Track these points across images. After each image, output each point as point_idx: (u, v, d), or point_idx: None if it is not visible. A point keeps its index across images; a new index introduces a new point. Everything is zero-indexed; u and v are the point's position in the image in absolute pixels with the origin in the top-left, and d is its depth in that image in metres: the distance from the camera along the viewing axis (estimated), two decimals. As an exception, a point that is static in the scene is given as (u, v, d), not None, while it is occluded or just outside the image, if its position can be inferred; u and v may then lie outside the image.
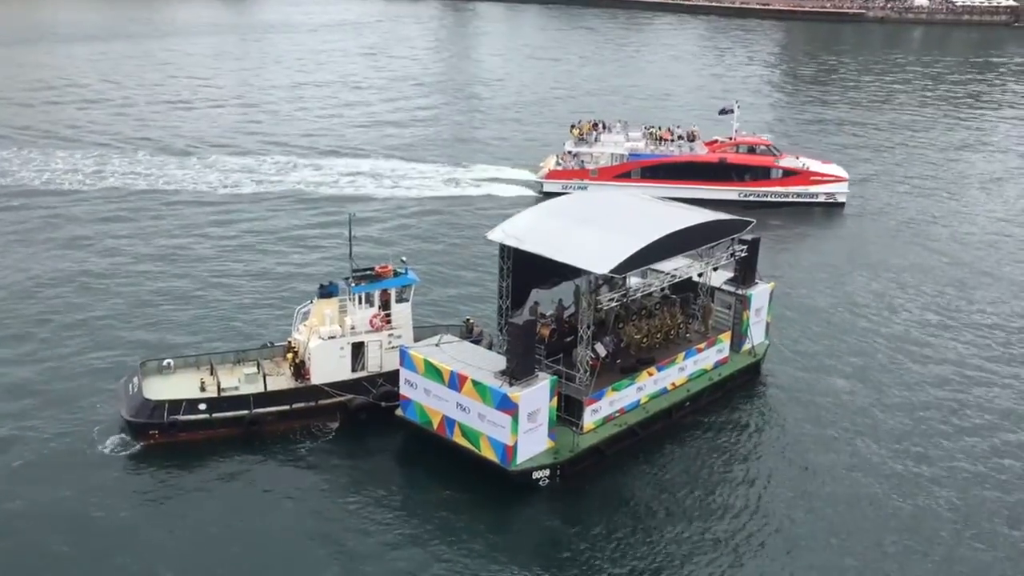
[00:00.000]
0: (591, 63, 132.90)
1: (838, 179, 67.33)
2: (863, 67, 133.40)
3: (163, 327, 44.23)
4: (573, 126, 70.41)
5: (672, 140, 68.28)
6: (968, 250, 58.98)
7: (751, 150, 67.65)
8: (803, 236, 62.36)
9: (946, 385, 41.65)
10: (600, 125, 70.14)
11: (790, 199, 66.51)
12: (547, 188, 65.21)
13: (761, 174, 66.76)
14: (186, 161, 72.22)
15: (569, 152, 67.67)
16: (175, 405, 34.44)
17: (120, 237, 55.89)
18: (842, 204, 66.82)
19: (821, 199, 66.67)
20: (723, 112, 70.18)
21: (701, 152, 67.35)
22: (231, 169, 70.31)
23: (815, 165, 68.19)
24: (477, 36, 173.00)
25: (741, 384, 40.79)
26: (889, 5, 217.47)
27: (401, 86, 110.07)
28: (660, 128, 69.98)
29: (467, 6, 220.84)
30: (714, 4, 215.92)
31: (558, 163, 67.69)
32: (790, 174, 66.76)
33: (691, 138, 68.52)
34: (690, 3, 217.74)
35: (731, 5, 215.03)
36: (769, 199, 66.12)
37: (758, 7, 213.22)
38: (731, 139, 68.29)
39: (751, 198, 66.06)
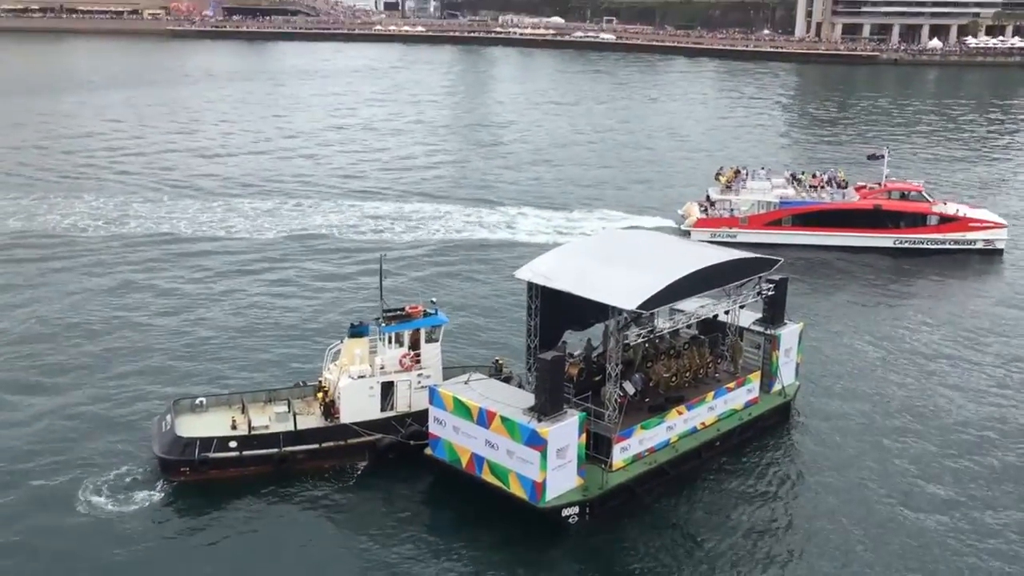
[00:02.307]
0: (626, 106, 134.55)
1: (997, 225, 66.07)
2: (900, 107, 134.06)
3: (197, 366, 44.55)
4: (718, 173, 69.60)
5: (823, 187, 67.35)
6: None
7: (903, 196, 66.57)
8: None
9: (989, 443, 40.69)
10: (743, 171, 69.15)
11: (947, 246, 65.39)
12: (695, 237, 62.75)
13: (917, 221, 65.73)
14: (210, 205, 73.04)
15: (710, 199, 66.87)
16: (206, 442, 34.63)
17: (150, 279, 56.43)
18: (1000, 251, 65.64)
19: (979, 246, 65.55)
20: (872, 158, 69.16)
21: (853, 199, 66.34)
22: (256, 213, 71.04)
23: (967, 210, 66.96)
24: (497, 80, 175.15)
25: (771, 424, 40.62)
26: (903, 47, 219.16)
27: (422, 129, 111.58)
28: (807, 174, 69.26)
29: (482, 50, 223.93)
30: (727, 47, 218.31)
31: (702, 211, 66.67)
32: (947, 220, 65.74)
33: (842, 185, 67.54)
34: (703, 46, 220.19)
35: (744, 48, 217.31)
36: (925, 246, 65.21)
37: (771, 50, 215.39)
38: (882, 185, 67.31)
39: (906, 245, 65.33)
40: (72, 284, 55.07)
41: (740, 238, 63.52)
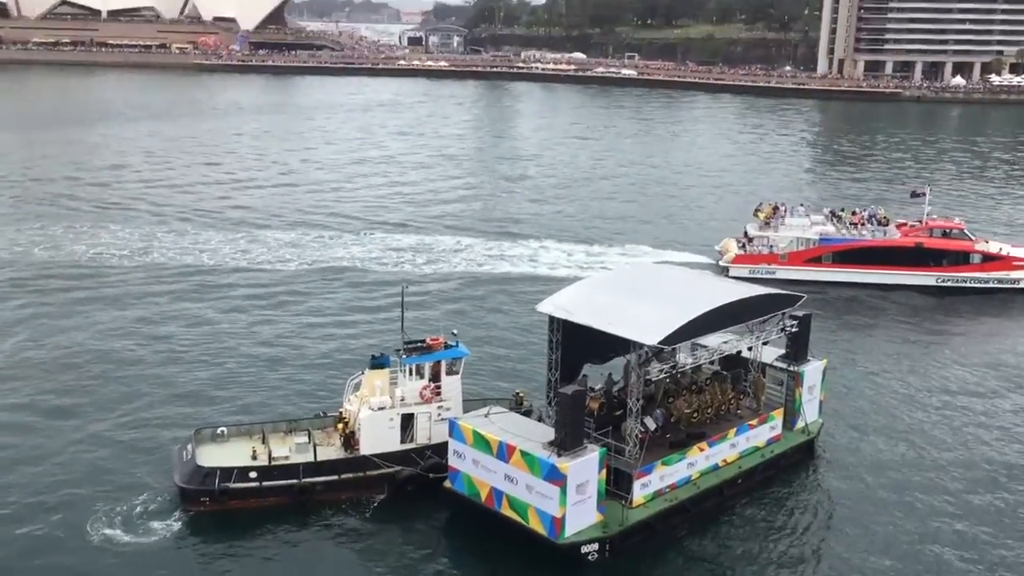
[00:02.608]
0: (649, 141, 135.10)
1: None
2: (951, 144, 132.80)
3: (218, 396, 44.69)
4: (757, 210, 69.44)
5: (863, 224, 66.95)
6: None
7: (945, 234, 66.01)
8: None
9: (1017, 482, 40.09)
10: (781, 207, 68.92)
11: (991, 285, 64.74)
12: (733, 273, 61.96)
13: (960, 259, 65.05)
14: (233, 236, 73.63)
15: (748, 235, 66.67)
16: (226, 473, 34.60)
17: (172, 309, 56.81)
18: None
19: (1023, 285, 64.73)
20: (914, 195, 68.77)
21: (894, 236, 65.83)
22: (279, 244, 71.54)
23: (1010, 249, 66.32)
24: (519, 114, 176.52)
25: (794, 462, 40.13)
26: (926, 84, 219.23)
27: (445, 162, 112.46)
28: (847, 211, 69.02)
29: (505, 84, 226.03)
30: (749, 84, 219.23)
31: (740, 247, 66.47)
32: (990, 259, 65.10)
33: (883, 222, 67.07)
34: (725, 82, 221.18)
35: (766, 84, 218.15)
36: (968, 284, 64.59)
37: (793, 86, 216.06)
38: (923, 223, 66.78)
39: (949, 283, 64.68)
40: (95, 313, 55.47)
41: (779, 274, 63.35)
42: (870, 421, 44.43)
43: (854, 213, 69.23)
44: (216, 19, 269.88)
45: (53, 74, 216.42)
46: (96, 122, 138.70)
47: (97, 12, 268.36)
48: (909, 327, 58.56)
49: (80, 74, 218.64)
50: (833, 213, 69.85)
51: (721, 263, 66.24)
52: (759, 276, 60.93)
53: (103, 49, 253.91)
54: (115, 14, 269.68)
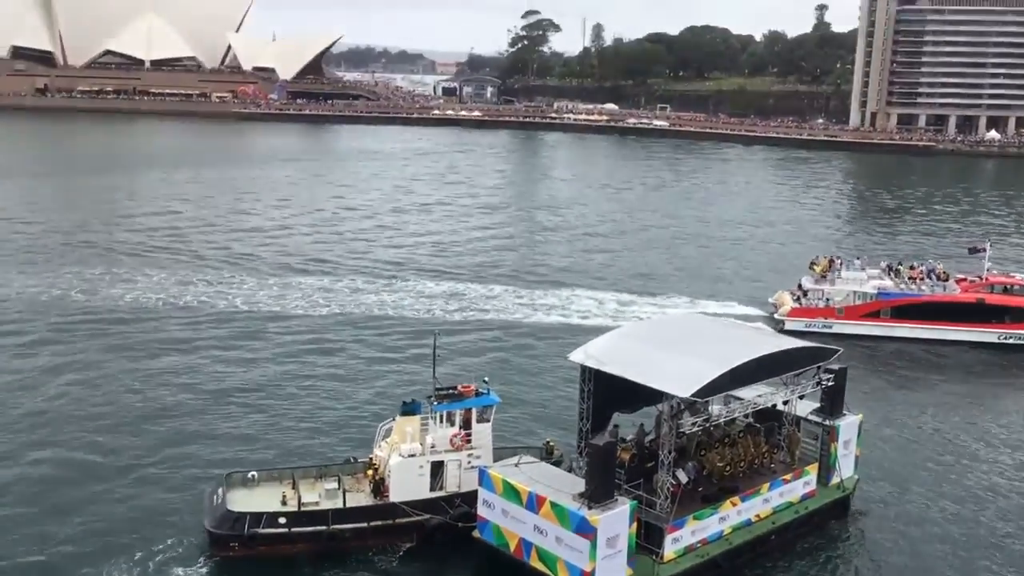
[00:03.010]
0: (683, 191, 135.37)
1: None
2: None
3: (249, 440, 44.90)
4: (812, 263, 69.07)
5: (922, 279, 66.09)
6: None
7: (1007, 290, 64.93)
8: None
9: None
10: (837, 261, 68.40)
11: None
12: (789, 326, 61.96)
13: (1023, 316, 63.67)
14: (267, 281, 74.43)
15: (802, 288, 66.18)
16: (256, 518, 34.59)
17: (205, 353, 57.33)
18: None
19: None
20: (973, 251, 68.13)
21: (954, 291, 64.86)
22: (312, 290, 72.16)
23: None
24: (552, 163, 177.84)
25: (829, 519, 39.37)
26: (960, 138, 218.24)
27: (477, 210, 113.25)
28: (904, 265, 68.55)
29: (537, 134, 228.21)
30: (781, 135, 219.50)
31: (796, 300, 65.86)
32: None
33: (942, 277, 66.02)
34: (757, 134, 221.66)
35: (798, 136, 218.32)
36: None
37: (826, 139, 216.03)
38: (983, 278, 65.90)
39: (1011, 340, 63.37)
40: (129, 357, 56.10)
41: (836, 329, 62.71)
42: (911, 477, 43.55)
43: (912, 267, 68.32)
44: (256, 69, 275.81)
45: (97, 121, 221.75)
46: (137, 168, 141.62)
47: (140, 62, 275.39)
48: (964, 384, 57.46)
49: (122, 121, 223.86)
50: (890, 267, 68.95)
51: (776, 316, 65.55)
52: (815, 330, 60.58)
53: (145, 97, 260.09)
54: (158, 64, 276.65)
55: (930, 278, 66.17)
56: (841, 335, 59.23)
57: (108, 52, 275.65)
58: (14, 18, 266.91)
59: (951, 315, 63.58)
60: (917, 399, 54.30)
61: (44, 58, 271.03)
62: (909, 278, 66.67)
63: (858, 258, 70.25)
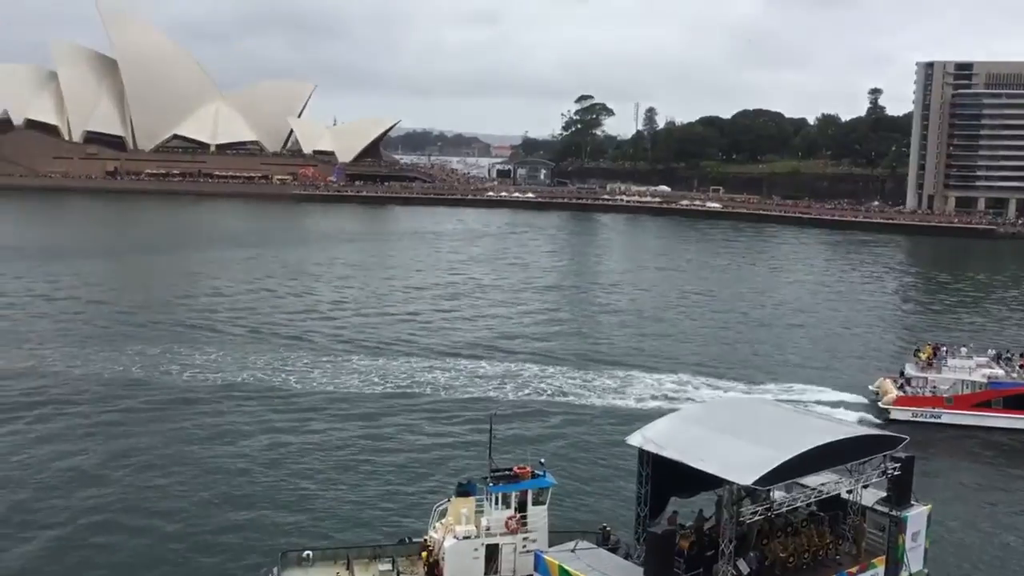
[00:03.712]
0: (739, 273, 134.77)
1: None
2: None
3: (304, 519, 44.78)
4: (917, 350, 68.15)
5: None
6: None
7: None
8: None
9: None
10: (942, 348, 67.21)
11: None
12: (894, 415, 61.15)
13: None
14: (321, 359, 75.09)
15: (905, 376, 65.03)
16: (309, 600, 34.28)
17: (258, 431, 57.75)
18: None
19: None
20: None
21: None
22: (367, 369, 72.58)
23: None
24: (605, 243, 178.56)
25: (898, 615, 37.74)
26: (1021, 221, 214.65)
27: (530, 289, 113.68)
28: (1014, 354, 67.18)
29: (590, 215, 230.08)
30: (836, 218, 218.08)
31: (900, 388, 64.27)
32: None
33: None
34: (811, 216, 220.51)
35: (853, 219, 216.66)
36: None
37: (882, 221, 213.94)
38: None
39: None
40: (183, 433, 56.77)
41: (945, 419, 61.10)
42: (982, 574, 41.68)
43: (1023, 356, 66.54)
44: (316, 152, 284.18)
45: (162, 203, 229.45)
46: (199, 248, 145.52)
47: (206, 145, 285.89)
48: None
49: (187, 203, 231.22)
50: (999, 355, 67.09)
51: (881, 404, 63.68)
52: (923, 420, 58.98)
53: (209, 180, 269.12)
54: (222, 147, 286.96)
55: None
56: (950, 425, 57.64)
57: (176, 136, 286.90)
58: (89, 105, 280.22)
59: None
60: (995, 492, 52.13)
61: (115, 142, 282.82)
62: (1020, 366, 64.68)
63: (965, 346, 68.13)
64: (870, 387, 67.15)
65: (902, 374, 65.79)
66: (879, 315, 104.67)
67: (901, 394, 63.40)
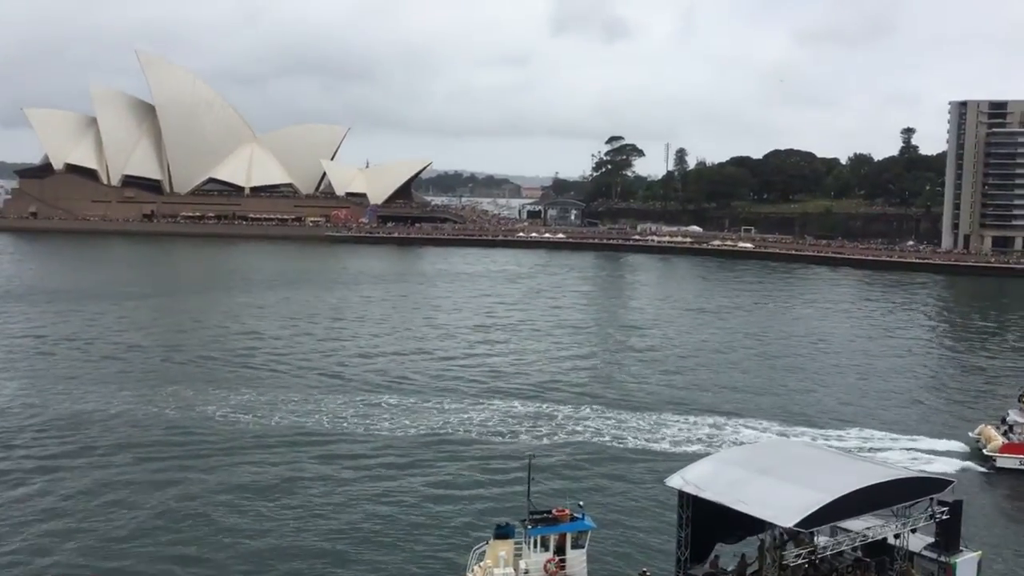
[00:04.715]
0: (773, 312, 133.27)
1: None
2: None
3: (340, 560, 44.65)
4: (1021, 395, 65.94)
5: None
6: None
7: None
8: None
9: None
10: None
11: None
12: (1001, 463, 59.81)
13: None
14: (353, 400, 74.99)
15: (1007, 422, 63.04)
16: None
17: (291, 472, 57.63)
18: None
19: None
20: None
21: None
22: (399, 411, 72.36)
23: None
24: (637, 283, 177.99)
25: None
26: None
27: (562, 330, 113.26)
28: None
29: (621, 255, 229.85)
30: (869, 258, 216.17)
31: (1004, 435, 62.25)
32: None
33: None
34: (845, 256, 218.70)
35: (888, 259, 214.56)
36: None
37: (916, 260, 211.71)
38: None
39: None
40: (215, 474, 56.76)
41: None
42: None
43: None
44: (348, 194, 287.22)
45: (197, 245, 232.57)
46: (233, 290, 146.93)
47: (240, 188, 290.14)
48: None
49: (221, 245, 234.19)
50: None
51: (986, 452, 61.66)
52: None
53: (243, 222, 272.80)
54: (257, 190, 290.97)
55: None
56: None
57: (211, 180, 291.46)
58: (127, 150, 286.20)
59: None
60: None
61: (152, 186, 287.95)
62: None
63: None
64: (970, 434, 64.98)
65: (1004, 420, 63.49)
66: (946, 358, 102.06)
67: (1006, 441, 61.29)
